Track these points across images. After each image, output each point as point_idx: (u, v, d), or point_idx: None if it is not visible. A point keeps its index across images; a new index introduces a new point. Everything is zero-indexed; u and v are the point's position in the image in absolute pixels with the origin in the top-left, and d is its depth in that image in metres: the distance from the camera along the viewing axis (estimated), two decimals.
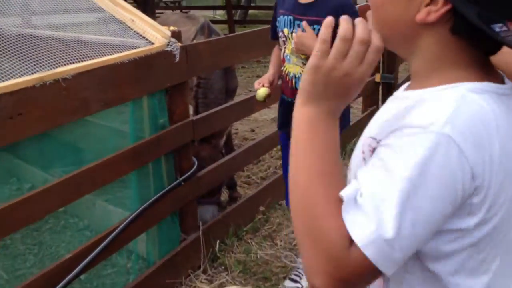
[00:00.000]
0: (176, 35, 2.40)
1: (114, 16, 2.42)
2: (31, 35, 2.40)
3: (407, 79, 5.61)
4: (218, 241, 2.71)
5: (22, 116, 1.67)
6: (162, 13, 12.08)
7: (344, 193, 0.71)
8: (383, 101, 4.89)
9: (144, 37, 2.35)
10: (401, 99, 0.85)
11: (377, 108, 4.80)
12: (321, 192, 0.74)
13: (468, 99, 0.73)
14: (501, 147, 0.72)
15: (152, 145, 2.29)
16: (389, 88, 4.52)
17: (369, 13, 0.86)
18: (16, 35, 2.32)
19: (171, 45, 2.33)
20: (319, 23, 2.12)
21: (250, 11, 13.86)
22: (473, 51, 0.78)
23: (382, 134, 0.77)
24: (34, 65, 1.97)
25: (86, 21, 2.59)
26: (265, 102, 2.28)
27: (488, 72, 0.80)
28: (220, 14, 15.57)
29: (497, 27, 0.72)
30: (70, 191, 1.88)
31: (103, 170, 2.02)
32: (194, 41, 2.99)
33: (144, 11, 8.77)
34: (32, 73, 1.79)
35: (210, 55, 2.58)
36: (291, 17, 2.21)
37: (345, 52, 0.74)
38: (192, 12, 15.40)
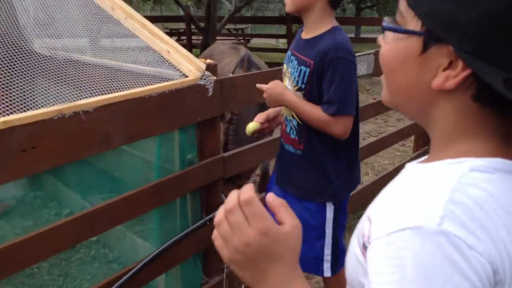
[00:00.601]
0: (211, 68, 2.32)
1: (150, 46, 2.38)
2: (77, 60, 2.42)
3: None
4: (243, 286, 2.57)
5: (36, 149, 1.62)
6: (224, 39, 12.30)
7: None
8: None
9: (178, 69, 2.29)
10: (407, 175, 0.72)
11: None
12: None
13: (467, 181, 0.60)
14: (508, 232, 0.59)
15: (178, 182, 2.20)
16: None
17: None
18: (65, 60, 2.35)
19: (204, 79, 2.26)
20: (306, 64, 1.96)
21: None
22: (497, 119, 0.64)
23: (376, 224, 0.64)
24: (77, 91, 2.00)
25: (126, 48, 2.58)
26: (255, 136, 2.25)
27: (510, 143, 0.66)
28: (283, 42, 15.65)
29: None
30: (81, 229, 1.81)
31: (121, 207, 1.94)
32: (231, 75, 2.91)
33: (206, 37, 8.93)
34: (72, 100, 1.78)
35: (246, 90, 2.48)
36: (289, 52, 2.10)
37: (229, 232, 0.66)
38: (256, 40, 15.57)
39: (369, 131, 5.87)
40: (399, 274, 0.56)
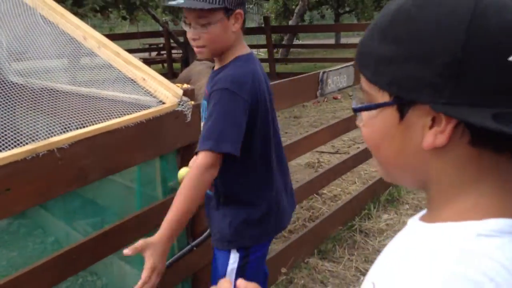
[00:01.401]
0: (189, 93, 2.30)
1: (126, 74, 2.36)
2: (52, 88, 2.39)
3: None
4: None
5: (10, 191, 1.58)
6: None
7: None
8: None
9: (155, 96, 2.27)
10: (410, 236, 0.69)
11: None
12: None
13: (473, 250, 0.56)
14: None
15: (161, 210, 2.16)
16: None
17: None
18: (40, 89, 2.32)
19: (182, 104, 2.24)
20: (205, 97, 1.81)
21: (293, 49, 13.86)
22: (498, 163, 0.61)
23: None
24: (51, 121, 1.96)
25: (100, 77, 2.56)
26: None
27: None
28: (264, 51, 15.67)
29: None
30: (63, 268, 1.77)
31: (104, 241, 1.90)
32: None
33: (186, 51, 8.90)
34: (46, 135, 1.75)
35: None
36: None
37: None
38: None
39: (354, 138, 5.88)
40: None
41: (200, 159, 1.66)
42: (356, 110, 0.69)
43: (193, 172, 1.66)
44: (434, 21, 0.58)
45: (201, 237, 2.34)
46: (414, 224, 0.69)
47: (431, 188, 0.67)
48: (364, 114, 0.69)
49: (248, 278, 1.97)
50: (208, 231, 2.37)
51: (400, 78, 0.61)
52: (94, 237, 1.90)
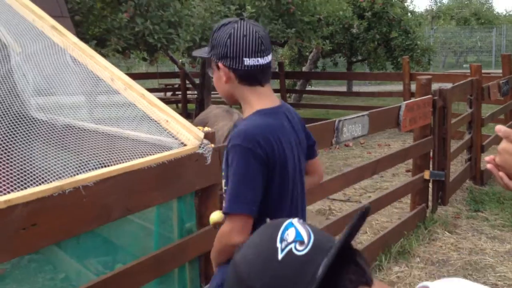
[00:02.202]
0: (209, 136, 2.36)
1: (150, 116, 2.42)
2: (77, 127, 2.46)
3: (460, 175, 5.38)
4: None
5: (36, 226, 1.62)
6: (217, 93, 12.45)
7: None
8: (434, 199, 4.65)
9: (177, 138, 2.33)
10: None
11: (427, 207, 4.58)
12: None
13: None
14: None
15: (177, 252, 2.19)
16: (440, 186, 4.28)
17: None
18: (65, 126, 2.38)
19: (203, 147, 2.29)
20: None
21: (306, 95, 14.02)
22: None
23: None
24: (79, 156, 2.01)
25: (125, 117, 2.62)
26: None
27: None
28: (277, 95, 15.86)
29: None
30: None
31: (119, 281, 1.92)
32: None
33: (201, 93, 9.05)
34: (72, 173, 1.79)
35: None
36: None
37: None
38: None
39: (365, 186, 5.89)
40: None
41: (223, 225, 1.70)
42: None
43: (216, 237, 1.71)
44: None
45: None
46: None
47: None
48: None
49: None
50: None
51: None
52: (110, 277, 1.92)
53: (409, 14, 14.07)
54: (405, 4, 13.93)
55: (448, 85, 5.03)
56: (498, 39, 26.48)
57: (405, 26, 12.11)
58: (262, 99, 1.77)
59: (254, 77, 1.74)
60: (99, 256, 3.23)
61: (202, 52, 1.81)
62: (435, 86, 5.11)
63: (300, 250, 0.85)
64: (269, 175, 1.69)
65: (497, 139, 4.31)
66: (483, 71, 6.32)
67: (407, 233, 4.17)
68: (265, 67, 1.73)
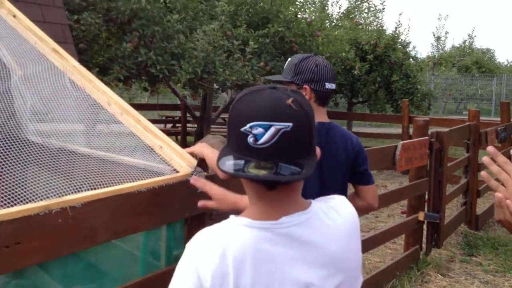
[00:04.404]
0: (203, 164, 2.35)
1: (144, 141, 2.43)
2: (71, 150, 2.45)
3: (455, 218, 5.34)
4: None
5: (20, 245, 1.60)
6: (219, 127, 12.51)
7: None
8: (428, 241, 4.60)
9: (169, 164, 2.32)
10: None
11: (420, 249, 4.52)
12: None
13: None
14: None
15: (164, 279, 2.15)
16: (435, 228, 4.25)
17: None
18: (58, 149, 2.38)
19: (195, 174, 2.28)
20: None
21: None
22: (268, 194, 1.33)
23: None
24: (67, 182, 2.00)
25: (119, 142, 2.62)
26: None
27: None
28: None
29: None
30: None
31: None
32: None
33: (201, 126, 9.10)
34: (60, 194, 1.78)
35: (236, 185, 2.50)
36: None
37: None
38: None
39: (359, 226, 5.84)
40: None
41: None
42: None
43: None
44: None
45: None
46: None
47: None
48: None
49: None
50: None
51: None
52: None
53: (411, 59, 14.25)
54: (407, 49, 14.12)
55: (446, 130, 5.05)
56: (498, 88, 26.78)
57: (406, 70, 12.26)
58: (320, 116, 2.23)
59: (327, 98, 2.29)
60: (86, 282, 3.17)
61: (281, 77, 2.30)
62: (433, 130, 5.13)
63: None
64: None
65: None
66: (482, 118, 6.36)
67: (400, 274, 4.11)
68: (332, 92, 2.31)
